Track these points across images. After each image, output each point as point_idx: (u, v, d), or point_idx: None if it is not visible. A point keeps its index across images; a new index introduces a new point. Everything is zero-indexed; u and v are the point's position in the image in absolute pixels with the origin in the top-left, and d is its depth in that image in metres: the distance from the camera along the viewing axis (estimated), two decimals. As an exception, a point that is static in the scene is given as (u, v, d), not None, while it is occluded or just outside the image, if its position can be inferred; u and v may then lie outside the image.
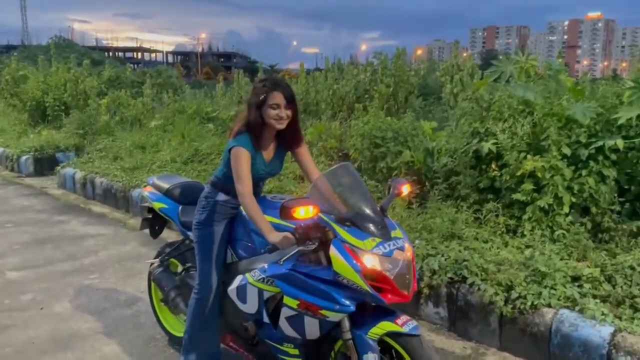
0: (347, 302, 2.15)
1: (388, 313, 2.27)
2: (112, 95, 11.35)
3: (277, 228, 2.34)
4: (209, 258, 2.67)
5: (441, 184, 4.90)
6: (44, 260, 4.91)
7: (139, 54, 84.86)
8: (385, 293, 2.14)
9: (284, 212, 2.07)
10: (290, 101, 2.52)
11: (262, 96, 2.49)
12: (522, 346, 3.28)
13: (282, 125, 2.53)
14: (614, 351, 2.89)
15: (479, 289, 3.46)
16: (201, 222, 2.70)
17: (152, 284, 3.34)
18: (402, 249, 2.22)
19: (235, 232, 2.71)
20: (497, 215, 4.30)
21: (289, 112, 2.52)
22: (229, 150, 2.53)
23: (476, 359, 3.27)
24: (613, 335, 2.93)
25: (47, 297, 4.05)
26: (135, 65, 41.64)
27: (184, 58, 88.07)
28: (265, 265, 2.37)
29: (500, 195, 4.49)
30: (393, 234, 2.27)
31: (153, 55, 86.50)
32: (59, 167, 8.50)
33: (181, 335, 3.02)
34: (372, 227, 2.22)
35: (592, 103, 4.42)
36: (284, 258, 2.18)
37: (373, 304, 2.22)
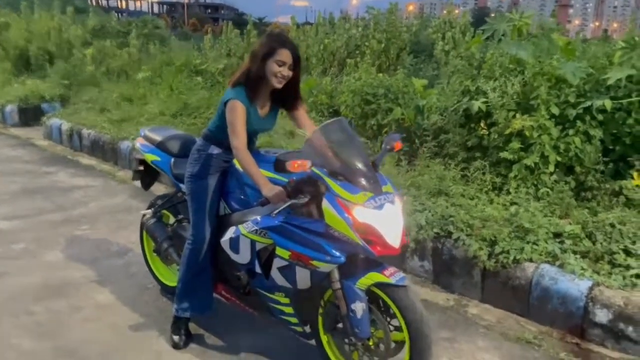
0: (338, 254, 2.22)
1: (376, 265, 2.35)
2: (98, 45, 11.10)
3: (271, 181, 2.38)
4: (202, 210, 2.71)
5: (430, 142, 4.94)
6: (33, 210, 4.92)
7: (124, 2, 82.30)
8: (375, 246, 2.21)
9: (279, 165, 2.11)
10: (296, 63, 2.51)
11: (270, 49, 2.47)
12: (503, 299, 3.41)
13: (280, 85, 2.52)
14: (591, 304, 3.02)
15: (463, 243, 3.56)
16: (194, 175, 2.73)
17: (144, 234, 3.39)
18: (392, 202, 2.28)
19: (228, 185, 2.74)
20: (484, 173, 4.37)
21: (290, 74, 2.51)
22: (225, 103, 2.53)
23: (458, 310, 3.39)
24: (591, 289, 3.05)
25: (39, 247, 4.09)
26: (120, 14, 40.46)
27: (170, 8, 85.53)
28: (258, 218, 2.42)
29: (487, 154, 4.55)
30: (384, 188, 2.32)
31: (138, 4, 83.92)
32: (45, 118, 8.40)
33: (173, 284, 3.10)
34: (364, 181, 2.27)
35: (582, 63, 4.44)
36: (276, 210, 2.23)
37: (363, 256, 2.29)
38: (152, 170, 3.32)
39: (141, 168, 3.33)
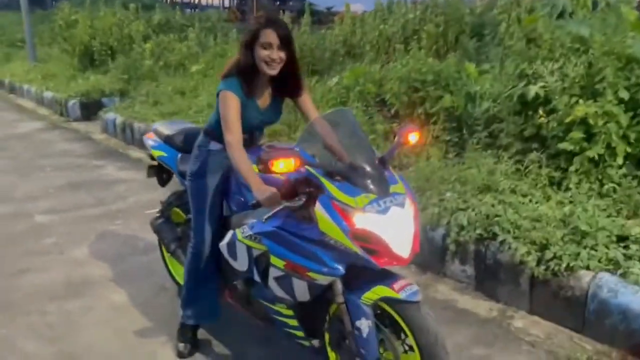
0: (336, 265, 1.92)
1: (385, 276, 2.02)
2: (157, 39, 11.24)
3: (266, 181, 2.10)
4: (202, 211, 2.49)
5: (481, 132, 4.50)
6: (73, 204, 4.94)
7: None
8: (379, 256, 1.89)
9: (261, 163, 1.82)
10: (285, 42, 2.22)
11: (253, 33, 2.21)
12: (554, 311, 2.98)
13: (273, 70, 2.24)
14: (658, 322, 2.55)
15: (510, 247, 3.14)
16: (194, 173, 2.51)
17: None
18: (401, 205, 1.95)
19: (229, 184, 2.50)
20: (540, 167, 3.90)
21: (282, 55, 2.22)
22: (218, 94, 2.29)
23: (501, 322, 2.99)
24: (659, 304, 2.58)
25: (68, 242, 4.06)
26: (192, 10, 41.43)
27: (240, 1, 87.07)
28: (254, 221, 2.16)
29: (545, 145, 4.06)
30: (392, 188, 1.99)
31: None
32: (102, 112, 8.56)
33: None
34: (367, 181, 1.95)
35: (658, 40, 3.85)
36: (268, 215, 1.97)
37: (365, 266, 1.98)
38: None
39: (155, 163, 3.16)
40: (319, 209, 1.89)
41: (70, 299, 3.21)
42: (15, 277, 3.50)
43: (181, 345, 2.67)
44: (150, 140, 3.10)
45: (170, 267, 3.30)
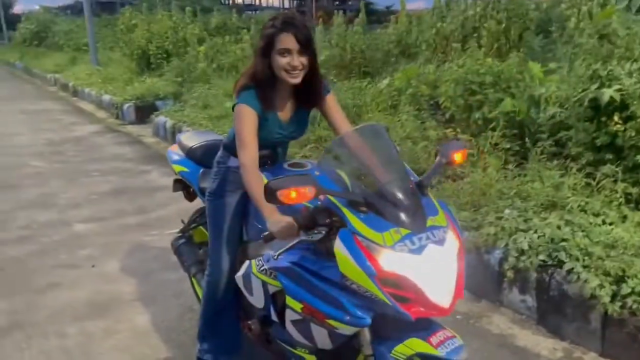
0: (361, 314, 1.59)
1: (422, 325, 1.67)
2: (211, 42, 11.23)
3: (282, 209, 1.80)
4: (220, 235, 2.23)
5: (546, 140, 4.04)
6: (113, 212, 4.84)
7: (258, 0, 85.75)
8: (412, 305, 1.55)
9: (269, 194, 1.52)
10: (305, 46, 1.91)
11: (269, 39, 1.92)
12: (631, 355, 2.53)
13: (296, 79, 1.94)
14: None
15: (579, 277, 2.72)
16: (212, 193, 2.25)
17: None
18: (440, 242, 1.59)
19: (248, 207, 2.22)
20: (615, 181, 3.43)
21: (303, 60, 1.92)
22: (233, 109, 2.02)
23: (567, 368, 2.57)
24: None
25: (102, 254, 3.93)
26: (253, 12, 41.90)
27: (300, 2, 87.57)
28: (271, 253, 1.86)
29: (621, 156, 3.56)
30: (430, 221, 1.63)
31: (271, 1, 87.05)
32: (154, 115, 8.57)
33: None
34: (399, 212, 1.60)
35: None
36: (280, 250, 1.66)
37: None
38: (194, 181, 2.90)
39: (180, 178, 2.93)
40: (338, 246, 1.56)
41: (93, 320, 3.03)
42: (41, 293, 3.37)
43: (198, 383, 2.41)
44: (174, 153, 2.87)
45: (196, 287, 3.06)
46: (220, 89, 8.74)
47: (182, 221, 3.00)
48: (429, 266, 1.55)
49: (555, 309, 2.86)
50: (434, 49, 8.29)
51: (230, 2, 66.29)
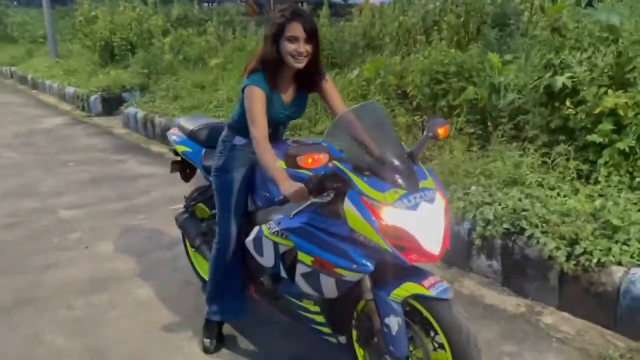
0: (365, 262, 1.89)
1: (415, 272, 1.99)
2: (175, 34, 11.27)
3: (292, 176, 2.08)
4: (228, 206, 2.48)
5: (506, 124, 4.42)
6: (96, 199, 4.97)
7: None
8: (409, 252, 1.85)
9: (289, 159, 1.79)
10: (311, 35, 2.18)
11: (279, 27, 2.18)
12: (584, 307, 2.92)
13: (300, 64, 2.21)
14: (694, 319, 2.48)
15: (538, 242, 3.08)
16: (219, 168, 2.50)
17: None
18: (431, 201, 1.91)
19: (254, 179, 2.48)
20: (568, 160, 3.82)
21: (308, 48, 2.19)
22: (243, 90, 2.27)
23: (530, 319, 2.94)
24: (695, 300, 2.50)
25: (93, 237, 4.09)
26: (210, 4, 41.46)
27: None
28: (281, 217, 2.14)
29: (573, 137, 3.97)
30: (422, 184, 1.95)
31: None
32: (123, 107, 8.62)
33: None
34: (396, 176, 1.91)
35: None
36: (295, 211, 1.94)
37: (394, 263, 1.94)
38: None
39: (178, 158, 3.16)
40: (347, 205, 1.86)
41: (96, 294, 3.23)
42: (42, 272, 3.54)
43: (207, 341, 2.66)
44: (174, 135, 3.09)
45: (194, 262, 3.30)
46: (188, 80, 8.84)
47: (185, 197, 3.21)
48: (422, 220, 1.86)
49: (518, 271, 3.23)
50: (397, 42, 8.65)
51: (186, -6, 65.48)
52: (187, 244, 3.28)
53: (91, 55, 12.70)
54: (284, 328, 2.77)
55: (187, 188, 3.35)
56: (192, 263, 3.32)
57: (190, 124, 2.98)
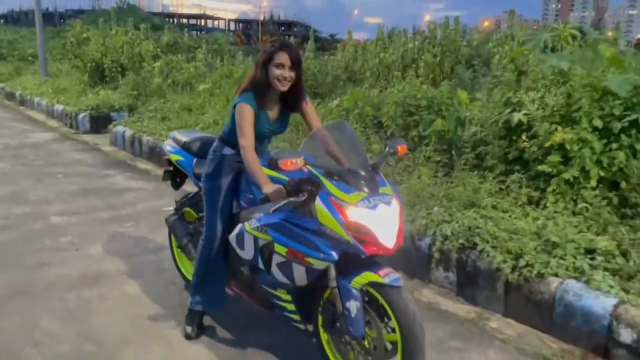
0: (331, 252, 2.26)
1: (373, 265, 2.36)
2: (166, 58, 11.71)
3: (273, 180, 2.46)
4: (215, 208, 2.83)
5: (469, 154, 4.87)
6: (86, 208, 5.27)
7: (203, 21, 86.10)
8: (368, 245, 2.23)
9: (272, 163, 2.18)
10: (296, 64, 2.59)
11: (269, 55, 2.59)
12: (525, 313, 3.29)
13: (284, 87, 2.61)
14: (615, 322, 2.86)
15: (488, 255, 3.48)
16: (208, 175, 2.86)
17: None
18: (388, 203, 2.30)
19: (240, 185, 2.85)
20: (521, 187, 4.25)
21: (292, 75, 2.59)
22: (234, 106, 2.65)
23: (477, 323, 3.31)
24: (616, 307, 2.89)
25: (83, 241, 4.38)
26: (198, 32, 42.29)
27: (246, 26, 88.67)
28: (261, 214, 2.50)
29: (527, 167, 4.42)
30: (382, 190, 2.34)
31: (216, 22, 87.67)
32: (112, 125, 8.93)
33: (196, 280, 3.23)
34: (360, 182, 2.30)
35: (630, 75, 4.24)
36: (274, 208, 2.30)
37: (361, 255, 2.30)
38: (181, 171, 3.49)
39: (170, 168, 3.51)
40: (318, 203, 2.24)
41: (86, 289, 3.53)
42: (35, 269, 3.82)
43: (189, 329, 2.98)
44: (169, 146, 3.46)
45: (179, 262, 3.62)
46: (176, 103, 9.22)
47: (175, 201, 3.55)
48: (380, 218, 2.24)
49: (470, 281, 3.61)
50: (377, 76, 9.20)
51: (175, 21, 66.38)
52: (173, 245, 3.61)
53: (80, 75, 13.06)
54: (259, 321, 3.11)
55: (171, 201, 3.68)
56: (176, 263, 3.64)
57: (183, 137, 3.35)
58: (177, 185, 3.63)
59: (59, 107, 10.98)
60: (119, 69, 11.83)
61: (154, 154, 7.47)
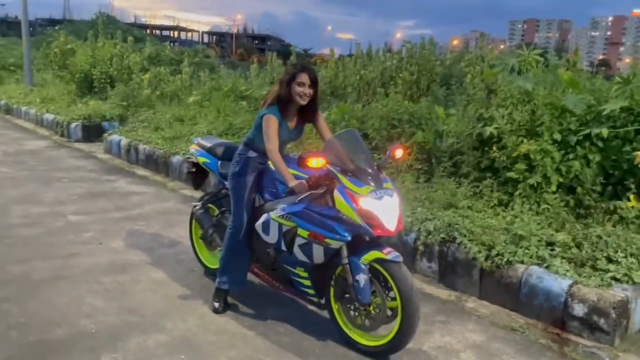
0: (345, 233, 2.84)
1: (377, 245, 2.95)
2: (154, 71, 12.15)
3: (296, 177, 3.03)
4: (241, 202, 3.38)
5: (446, 162, 5.51)
6: (98, 209, 5.71)
7: (176, 32, 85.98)
8: (375, 228, 2.82)
9: (301, 161, 2.75)
10: (314, 82, 3.19)
11: (292, 75, 3.17)
12: (497, 295, 3.91)
13: (304, 102, 3.19)
14: (569, 299, 3.50)
15: (465, 247, 4.09)
16: (235, 174, 3.41)
17: (193, 223, 4.09)
18: (390, 196, 2.89)
19: (263, 182, 3.41)
20: (492, 191, 4.90)
21: (311, 91, 3.19)
22: (261, 117, 3.22)
23: (457, 303, 3.91)
24: (570, 287, 3.53)
25: (104, 236, 4.85)
26: (172, 44, 42.48)
27: (219, 39, 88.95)
28: (285, 205, 3.07)
29: (497, 174, 5.08)
30: (385, 185, 2.94)
31: (189, 34, 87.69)
32: (106, 134, 9.34)
33: (215, 267, 3.77)
34: (368, 178, 2.89)
35: (585, 95, 4.96)
36: (299, 197, 2.87)
37: (366, 236, 2.89)
38: (201, 173, 4.03)
39: (193, 170, 4.04)
40: (337, 194, 2.83)
41: (119, 274, 4.01)
42: (68, 258, 4.27)
43: (216, 304, 3.51)
44: (195, 150, 3.99)
45: (199, 252, 4.15)
46: (166, 114, 9.66)
47: (200, 198, 4.08)
48: (384, 207, 2.84)
49: (450, 270, 4.22)
50: (358, 92, 9.84)
51: (148, 32, 66.23)
52: (194, 236, 4.14)
53: (67, 85, 13.36)
54: (274, 299, 3.66)
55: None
56: (196, 253, 4.16)
57: (207, 142, 3.91)
58: (197, 185, 4.18)
59: (49, 116, 11.30)
60: (108, 80, 12.21)
61: (151, 161, 7.93)
